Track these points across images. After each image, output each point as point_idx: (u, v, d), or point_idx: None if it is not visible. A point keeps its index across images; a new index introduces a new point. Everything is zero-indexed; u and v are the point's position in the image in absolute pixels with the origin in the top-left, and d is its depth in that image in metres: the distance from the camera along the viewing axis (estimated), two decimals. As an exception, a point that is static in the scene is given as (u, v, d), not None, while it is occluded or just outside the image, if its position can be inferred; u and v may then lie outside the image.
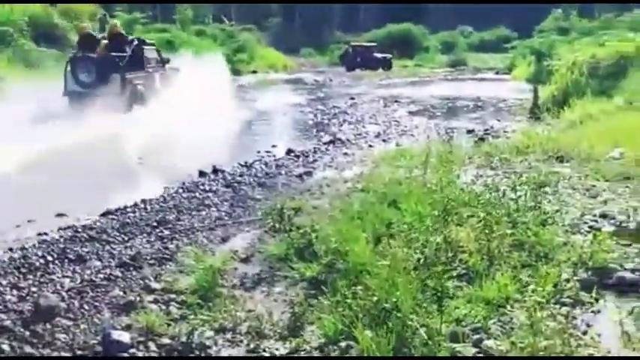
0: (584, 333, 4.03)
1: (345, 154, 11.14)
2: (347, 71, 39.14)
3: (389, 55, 41.65)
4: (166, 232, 6.45)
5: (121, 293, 4.88)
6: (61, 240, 6.20)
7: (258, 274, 5.25)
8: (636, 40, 15.82)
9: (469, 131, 13.57)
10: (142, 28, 34.05)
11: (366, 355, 3.69)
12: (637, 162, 8.60)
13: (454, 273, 4.88)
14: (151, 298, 4.77)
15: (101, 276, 5.24)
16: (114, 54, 14.88)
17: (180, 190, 8.29)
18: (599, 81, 14.96)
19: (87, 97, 13.85)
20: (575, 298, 4.51)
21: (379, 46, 43.22)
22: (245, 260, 5.61)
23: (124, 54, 15.08)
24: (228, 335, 4.19)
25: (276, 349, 4.00)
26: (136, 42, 15.77)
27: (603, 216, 6.66)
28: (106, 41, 15.27)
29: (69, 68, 14.83)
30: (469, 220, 5.93)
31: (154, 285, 5.00)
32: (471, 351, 3.77)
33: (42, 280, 5.15)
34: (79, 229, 6.52)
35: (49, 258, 5.62)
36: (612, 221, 6.54)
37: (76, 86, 14.70)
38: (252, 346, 4.05)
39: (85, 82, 14.71)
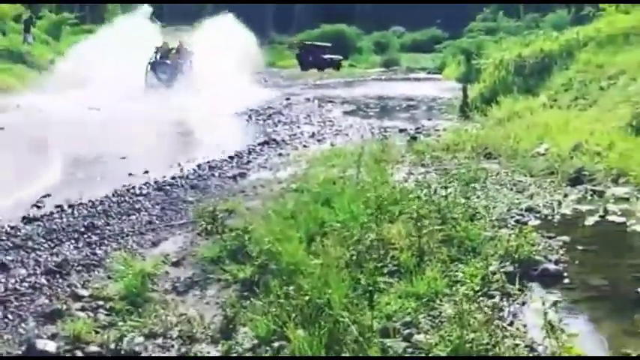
0: (511, 324, 4.16)
1: (280, 154, 11.13)
2: (302, 70, 39.84)
3: (338, 57, 42.21)
4: (95, 238, 6.29)
5: (47, 301, 4.74)
6: (-17, 248, 5.96)
7: (190, 278, 5.19)
8: (559, 39, 16.36)
9: (401, 130, 13.77)
10: (70, 29, 33.20)
11: (298, 353, 3.69)
12: (560, 157, 8.91)
13: (385, 270, 4.94)
14: (78, 305, 4.65)
15: (26, 284, 5.07)
16: (180, 61, 22.69)
17: (110, 195, 8.09)
18: (525, 79, 15.41)
19: (162, 88, 21.20)
20: (502, 290, 4.64)
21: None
22: (176, 264, 5.53)
23: (186, 61, 22.71)
24: (159, 340, 4.12)
25: (208, 353, 3.96)
26: (194, 53, 23.00)
27: (529, 210, 6.87)
28: (174, 52, 23.23)
29: (149, 69, 22.38)
30: (401, 218, 6.02)
31: (82, 292, 4.87)
32: (401, 346, 3.82)
33: (-37, 290, 4.94)
34: (3, 237, 6.29)
35: (-29, 267, 5.40)
36: (537, 215, 6.76)
37: (155, 81, 22.11)
38: (183, 350, 3.99)
39: (162, 78, 22.30)
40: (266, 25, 57.13)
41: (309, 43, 44.68)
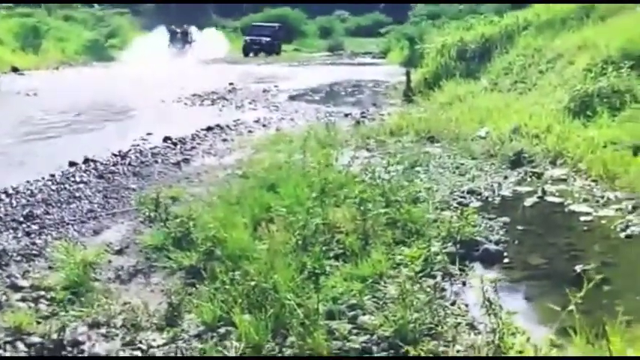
0: (453, 303, 4.26)
1: (225, 140, 11.05)
2: (244, 55, 38.84)
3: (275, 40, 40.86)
4: (34, 227, 6.13)
5: (-15, 293, 4.60)
6: None
7: (133, 266, 5.12)
8: (500, 23, 16.67)
9: (347, 115, 13.84)
10: (5, 12, 32.03)
11: (244, 338, 3.69)
12: (501, 140, 9.11)
13: (331, 253, 4.99)
14: (18, 296, 4.53)
15: (-38, 276, 4.91)
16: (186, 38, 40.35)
17: (49, 183, 7.89)
18: (467, 63, 15.66)
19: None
20: (444, 270, 4.75)
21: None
22: (119, 252, 5.44)
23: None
24: (103, 330, 4.05)
25: (154, 340, 3.92)
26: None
27: (471, 192, 7.03)
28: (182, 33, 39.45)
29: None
30: (346, 202, 6.07)
31: (22, 282, 4.75)
32: (347, 327, 3.87)
33: None
34: (-63, 228, 6.07)
35: None
36: (479, 197, 6.92)
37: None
38: (127, 338, 3.94)
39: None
40: (208, 9, 56.32)
41: (255, 24, 43.52)
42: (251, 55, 38.77)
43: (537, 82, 12.01)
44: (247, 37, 40.62)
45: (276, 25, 42.99)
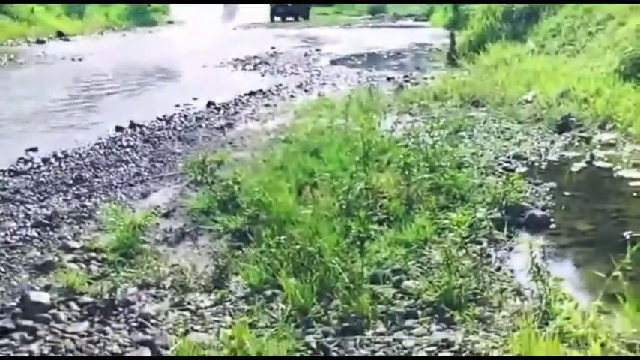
0: (498, 269, 4.24)
1: (267, 105, 11.07)
2: (271, 21, 37.73)
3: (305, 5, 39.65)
4: (83, 190, 6.29)
5: (39, 254, 4.76)
6: (-28, 203, 5.95)
7: (180, 229, 5.21)
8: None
9: (389, 79, 13.70)
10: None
11: (290, 300, 3.75)
12: (548, 104, 8.93)
13: (375, 218, 4.99)
14: (70, 257, 4.66)
15: (17, 237, 5.08)
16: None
17: (97, 147, 8.05)
18: (513, 25, 15.28)
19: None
20: (490, 236, 4.72)
21: None
22: (167, 215, 5.54)
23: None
24: (152, 290, 4.16)
25: (201, 301, 4.01)
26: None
27: (516, 157, 6.93)
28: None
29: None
30: (389, 167, 6.05)
31: (73, 244, 4.88)
32: (391, 292, 3.89)
33: (-47, 244, 4.95)
34: (-9, 191, 6.27)
35: (-40, 221, 5.40)
36: (525, 162, 6.82)
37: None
38: (176, 299, 4.04)
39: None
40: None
41: None
42: (277, 19, 37.60)
43: (586, 45, 11.67)
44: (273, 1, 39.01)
45: None
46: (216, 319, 3.81)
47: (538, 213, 5.19)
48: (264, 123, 9.44)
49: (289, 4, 38.00)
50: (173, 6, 38.53)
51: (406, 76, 13.98)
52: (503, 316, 3.58)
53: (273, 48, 20.53)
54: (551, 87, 9.52)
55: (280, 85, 13.35)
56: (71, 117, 10.67)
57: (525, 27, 14.90)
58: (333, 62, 17.90)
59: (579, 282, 4.25)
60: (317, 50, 20.44)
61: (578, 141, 7.53)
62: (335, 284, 3.87)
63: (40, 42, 23.46)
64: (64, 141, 8.57)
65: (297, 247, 4.21)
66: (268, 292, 3.99)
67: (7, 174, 6.89)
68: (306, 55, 19.37)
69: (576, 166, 6.68)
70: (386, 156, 6.40)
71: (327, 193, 5.37)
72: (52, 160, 7.46)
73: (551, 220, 5.15)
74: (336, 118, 8.19)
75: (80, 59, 18.51)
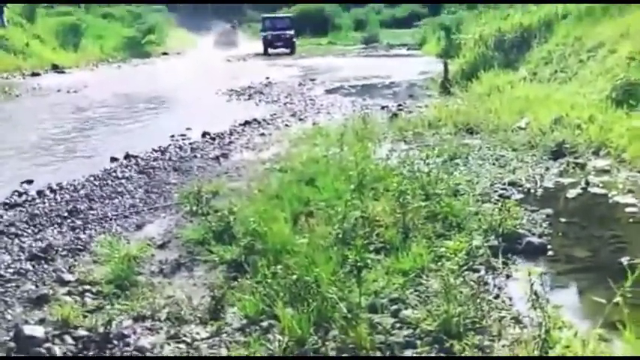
0: (496, 297, 4.21)
1: (262, 134, 11.09)
2: (264, 54, 35.47)
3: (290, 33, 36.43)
4: (78, 222, 6.25)
5: (33, 287, 4.72)
6: (-34, 236, 5.91)
7: (176, 260, 5.17)
8: (538, 12, 16.35)
9: (383, 107, 13.76)
10: (45, 11, 32.62)
11: (287, 331, 3.71)
12: (542, 131, 8.97)
13: (372, 247, 4.97)
14: (64, 290, 4.62)
15: (11, 270, 5.04)
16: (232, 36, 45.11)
17: (92, 179, 8.03)
18: (505, 53, 15.43)
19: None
20: (487, 264, 4.69)
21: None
22: (162, 246, 5.51)
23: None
24: (148, 323, 4.11)
25: (197, 333, 3.97)
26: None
27: (512, 184, 6.93)
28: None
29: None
30: (385, 195, 6.04)
31: (68, 277, 4.84)
32: (389, 321, 3.85)
33: (-54, 278, 4.90)
34: (-15, 224, 6.23)
35: (-47, 255, 5.35)
36: (520, 189, 6.82)
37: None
38: (172, 332, 3.99)
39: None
40: (243, 5, 56.62)
41: (268, 16, 39.32)
42: (270, 51, 35.23)
43: (578, 72, 11.76)
44: (267, 33, 36.08)
45: (289, 15, 40.35)
46: (212, 351, 3.76)
47: (535, 240, 5.18)
48: (259, 152, 9.45)
49: (287, 35, 35.76)
50: (168, 37, 38.79)
51: (400, 105, 14.04)
52: (503, 345, 3.54)
53: (267, 78, 20.65)
54: (545, 114, 9.58)
55: (275, 114, 13.40)
56: (66, 149, 10.66)
57: (517, 55, 15.05)
58: (328, 91, 18.01)
59: (579, 309, 4.22)
60: (311, 80, 20.56)
61: (573, 167, 7.55)
62: (332, 314, 3.84)
63: (34, 74, 23.58)
64: (59, 173, 8.57)
65: (294, 276, 4.18)
66: (265, 323, 3.95)
67: (1, 207, 6.86)
68: (300, 84, 19.48)
69: (572, 193, 6.69)
70: (381, 184, 6.40)
71: (323, 222, 5.36)
72: (47, 192, 7.44)
73: (549, 246, 5.13)
74: (331, 147, 8.21)
75: (75, 91, 18.59)
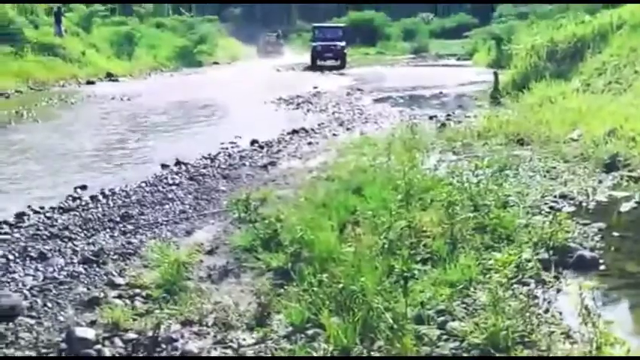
0: (546, 311, 4.13)
1: (310, 143, 11.14)
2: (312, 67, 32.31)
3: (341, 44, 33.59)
4: (130, 227, 6.39)
5: (85, 290, 4.83)
6: (22, 238, 6.09)
7: (224, 266, 5.23)
8: (592, 23, 16.04)
9: (431, 117, 13.68)
10: (101, 21, 33.48)
11: (332, 340, 3.71)
12: (594, 143, 8.77)
13: (418, 257, 4.93)
14: (115, 293, 4.72)
15: (64, 273, 5.17)
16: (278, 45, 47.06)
17: (143, 184, 8.20)
18: (557, 64, 15.17)
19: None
20: (537, 277, 4.61)
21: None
22: (210, 252, 5.58)
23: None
24: (195, 328, 4.17)
25: (244, 340, 4.00)
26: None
27: (563, 196, 6.80)
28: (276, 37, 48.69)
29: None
30: (432, 205, 6.00)
31: (118, 280, 4.95)
32: (435, 333, 3.82)
33: (3, 279, 5.06)
34: (41, 227, 6.42)
35: (10, 257, 5.52)
36: (572, 201, 6.69)
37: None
38: (219, 337, 4.04)
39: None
40: (292, 15, 57.13)
41: (320, 25, 37.06)
42: (319, 63, 32.31)
43: (633, 83, 11.48)
44: (317, 43, 33.31)
45: (342, 25, 38.11)
46: (258, 357, 3.79)
47: (587, 254, 5.06)
48: (306, 161, 9.50)
49: (338, 46, 32.77)
50: (218, 47, 39.37)
51: (449, 115, 13.94)
52: (553, 360, 3.47)
53: (315, 87, 20.75)
54: (598, 126, 9.37)
55: (323, 123, 13.45)
56: (119, 155, 10.90)
57: (570, 66, 14.78)
58: (376, 101, 18.00)
59: (631, 325, 4.11)
60: (359, 89, 20.57)
61: (627, 181, 7.36)
62: (378, 324, 3.83)
63: (89, 82, 24.19)
64: (112, 178, 8.77)
65: (340, 285, 4.18)
66: (310, 332, 3.96)
67: (56, 211, 7.05)
68: (348, 94, 19.51)
69: (625, 206, 6.52)
70: (429, 194, 6.36)
71: (370, 231, 5.34)
72: (100, 197, 7.62)
73: (601, 261, 5.02)
74: (379, 156, 8.19)
75: (129, 99, 19.00)
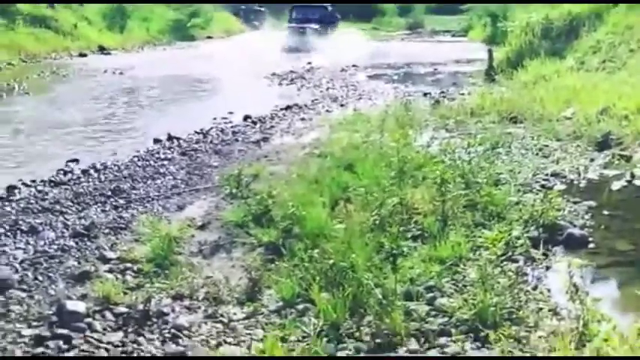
0: (535, 288, 4.17)
1: (303, 119, 11.11)
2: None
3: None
4: (121, 202, 6.38)
5: (76, 263, 4.83)
6: (13, 212, 6.08)
7: (215, 241, 5.24)
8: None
9: (425, 94, 13.65)
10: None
11: (322, 315, 3.74)
12: (587, 121, 8.78)
13: (409, 234, 4.96)
14: (106, 267, 4.73)
15: (55, 247, 5.17)
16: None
17: (135, 159, 8.17)
18: (552, 42, 15.11)
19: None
20: (526, 255, 4.64)
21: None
22: (202, 227, 5.59)
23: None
24: (186, 302, 4.19)
25: (234, 314, 4.02)
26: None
27: (555, 175, 6.82)
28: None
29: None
30: (424, 182, 6.01)
31: (110, 254, 4.95)
32: (424, 309, 3.85)
33: (-6, 252, 5.06)
34: (32, 201, 6.40)
35: (1, 230, 5.52)
36: (563, 179, 6.71)
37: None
38: (209, 311, 4.06)
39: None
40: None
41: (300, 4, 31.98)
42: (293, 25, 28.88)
43: (627, 61, 11.46)
44: (293, 24, 29.42)
45: (327, 5, 32.20)
46: (248, 332, 3.82)
47: (576, 232, 5.10)
48: (299, 137, 9.48)
49: (313, 27, 28.31)
50: (212, 21, 39.03)
51: (442, 92, 13.91)
52: (540, 337, 3.50)
53: (309, 63, 20.64)
54: (591, 104, 9.36)
55: (316, 99, 13.41)
56: (111, 129, 10.86)
57: (565, 44, 14.72)
58: (370, 77, 17.93)
59: (619, 303, 4.15)
60: (353, 65, 20.47)
61: (619, 159, 7.38)
62: (368, 300, 3.85)
63: (82, 55, 24.00)
64: (104, 152, 8.74)
65: (330, 261, 4.19)
66: (300, 307, 3.98)
67: (47, 184, 7.03)
68: (342, 70, 19.42)
69: (616, 185, 6.55)
70: (421, 171, 6.36)
71: (361, 208, 5.35)
72: (92, 171, 7.60)
73: (590, 239, 5.05)
74: (372, 133, 8.18)
75: (121, 72, 18.87)
